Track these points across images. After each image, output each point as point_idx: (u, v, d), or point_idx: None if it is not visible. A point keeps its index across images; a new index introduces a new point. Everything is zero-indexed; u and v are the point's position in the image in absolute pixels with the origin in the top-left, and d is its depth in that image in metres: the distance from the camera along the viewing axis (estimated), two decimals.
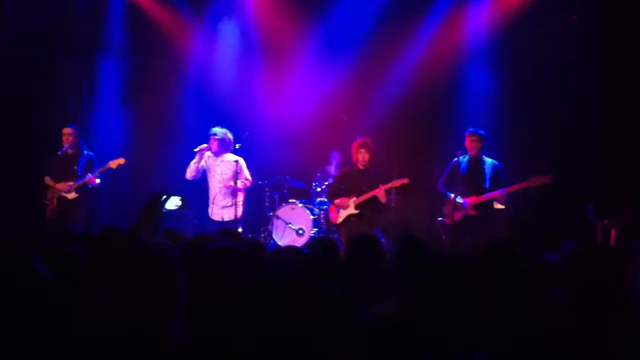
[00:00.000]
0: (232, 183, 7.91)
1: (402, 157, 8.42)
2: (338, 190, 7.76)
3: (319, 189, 8.78)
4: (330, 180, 8.55)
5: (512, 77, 8.50)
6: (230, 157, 7.99)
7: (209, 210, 8.14)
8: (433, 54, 8.94)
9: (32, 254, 2.06)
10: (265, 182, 8.80)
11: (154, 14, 9.51)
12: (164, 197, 3.28)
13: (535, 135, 8.29)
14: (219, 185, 8.03)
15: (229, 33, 9.67)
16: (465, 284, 2.26)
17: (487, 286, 2.27)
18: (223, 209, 7.99)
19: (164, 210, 3.33)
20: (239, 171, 7.95)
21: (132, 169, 8.71)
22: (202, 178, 8.17)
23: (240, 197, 8.05)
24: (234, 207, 7.87)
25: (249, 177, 8.11)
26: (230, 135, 8.02)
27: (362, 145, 7.61)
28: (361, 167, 7.61)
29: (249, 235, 8.12)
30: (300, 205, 8.62)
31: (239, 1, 9.59)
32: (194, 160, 8.07)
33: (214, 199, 8.07)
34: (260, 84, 9.52)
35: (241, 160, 8.04)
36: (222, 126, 8.10)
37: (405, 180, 7.43)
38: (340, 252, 4.21)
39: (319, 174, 8.95)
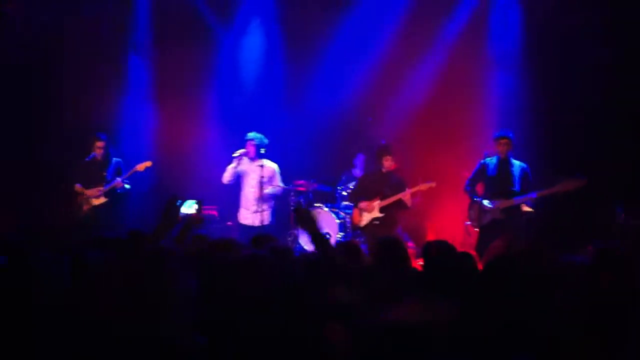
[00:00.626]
0: (267, 189, 7.99)
1: (427, 160, 8.40)
2: (360, 194, 7.76)
3: (344, 193, 8.77)
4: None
5: (537, 79, 8.40)
6: (264, 162, 8.07)
7: (239, 215, 8.24)
8: (458, 56, 8.89)
9: (33, 254, 2.10)
10: (291, 186, 8.83)
11: (181, 13, 9.50)
12: (179, 201, 3.33)
13: (561, 136, 8.17)
14: (252, 190, 8.09)
15: (255, 34, 9.72)
16: (486, 286, 2.25)
17: (508, 289, 2.26)
18: (254, 213, 8.06)
19: (181, 214, 3.39)
20: (272, 176, 8.05)
21: (160, 170, 8.77)
22: (235, 182, 8.24)
23: (271, 203, 8.14)
24: (262, 212, 7.96)
25: (281, 184, 8.18)
26: (265, 141, 8.09)
27: (385, 150, 7.63)
28: (384, 171, 7.62)
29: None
30: (326, 209, 8.62)
31: (266, 2, 9.63)
32: (232, 165, 8.15)
33: (246, 204, 8.15)
34: (285, 86, 9.55)
35: (276, 167, 8.16)
36: (253, 130, 8.17)
37: (432, 184, 7.43)
38: (364, 255, 4.21)
39: (344, 177, 8.95)
